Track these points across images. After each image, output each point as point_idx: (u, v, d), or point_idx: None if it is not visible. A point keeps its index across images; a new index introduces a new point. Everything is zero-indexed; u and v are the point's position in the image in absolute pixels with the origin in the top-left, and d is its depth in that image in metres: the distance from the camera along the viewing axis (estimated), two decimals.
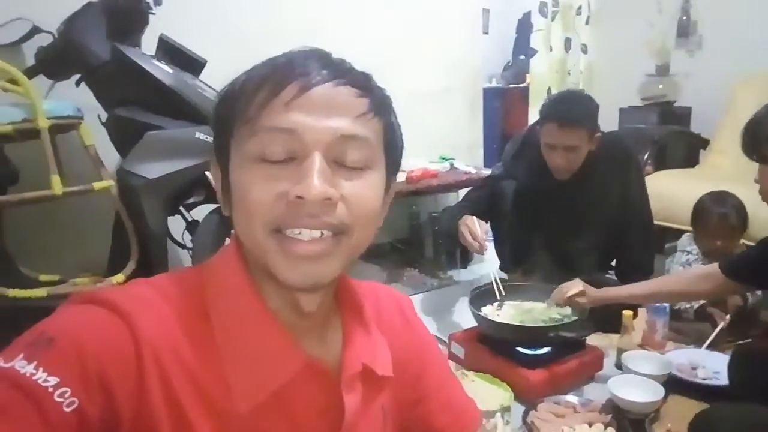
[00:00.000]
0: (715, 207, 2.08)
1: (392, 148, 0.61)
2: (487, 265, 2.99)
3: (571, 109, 1.94)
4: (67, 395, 0.44)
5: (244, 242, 0.57)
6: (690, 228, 2.24)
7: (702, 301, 2.03)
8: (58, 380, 0.44)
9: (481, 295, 1.93)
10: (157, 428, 0.50)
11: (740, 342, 1.87)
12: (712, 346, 1.90)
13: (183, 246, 2.12)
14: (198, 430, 0.52)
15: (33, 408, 0.43)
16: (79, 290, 1.76)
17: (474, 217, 2.04)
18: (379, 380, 0.65)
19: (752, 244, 2.16)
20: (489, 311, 1.87)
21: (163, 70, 1.78)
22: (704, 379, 1.73)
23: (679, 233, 2.34)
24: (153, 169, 1.75)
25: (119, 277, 1.80)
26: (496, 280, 1.94)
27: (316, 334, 0.63)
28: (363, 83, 0.56)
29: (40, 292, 1.70)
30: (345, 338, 0.64)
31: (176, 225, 2.04)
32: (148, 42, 1.89)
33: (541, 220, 2.15)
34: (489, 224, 2.28)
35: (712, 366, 1.76)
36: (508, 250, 2.19)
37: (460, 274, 2.93)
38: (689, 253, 2.19)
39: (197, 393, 0.52)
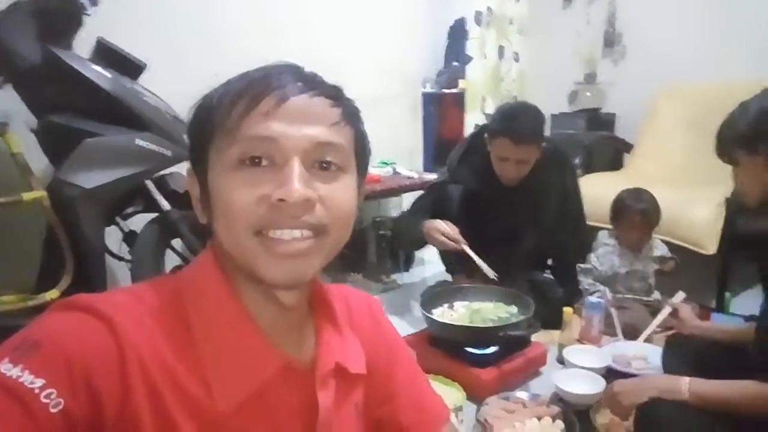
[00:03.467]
0: (633, 203, 2.23)
1: (362, 153, 0.65)
2: (429, 268, 3.07)
3: (524, 125, 2.00)
4: (53, 396, 0.45)
5: (226, 246, 0.59)
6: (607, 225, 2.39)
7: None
8: (44, 382, 0.45)
9: (432, 297, 1.97)
10: (141, 429, 0.51)
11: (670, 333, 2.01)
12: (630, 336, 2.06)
13: (121, 258, 2.03)
14: (181, 430, 0.53)
15: (20, 409, 0.44)
16: (5, 309, 1.66)
17: (439, 220, 2.07)
18: (352, 378, 0.68)
19: (668, 239, 2.33)
20: (440, 313, 1.91)
21: (100, 74, 1.70)
22: (639, 369, 1.85)
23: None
24: (91, 179, 1.66)
25: (53, 293, 1.68)
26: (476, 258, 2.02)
27: (294, 334, 0.65)
28: (335, 94, 0.61)
29: None
30: (318, 338, 0.67)
31: (112, 237, 1.95)
32: (82, 45, 1.80)
33: (486, 223, 2.22)
34: None
35: (645, 356, 1.89)
36: (453, 253, 2.24)
37: (404, 278, 2.97)
38: (609, 245, 2.33)
39: (180, 394, 0.54)
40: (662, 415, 1.25)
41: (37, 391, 0.45)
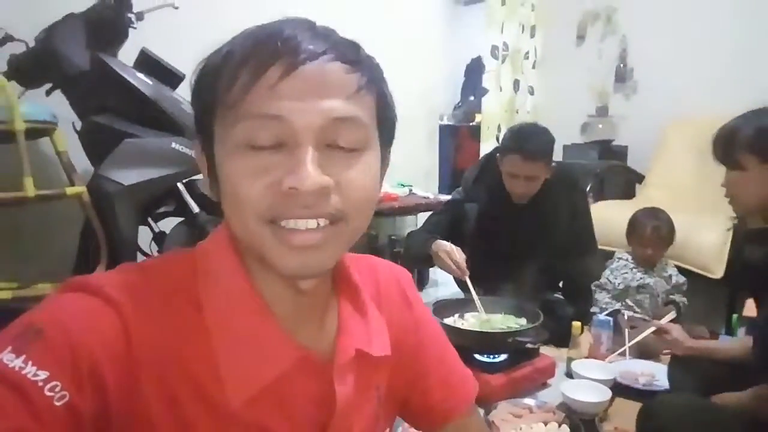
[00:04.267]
0: (649, 220, 2.30)
1: (386, 121, 0.58)
2: (443, 289, 3.12)
3: (534, 142, 2.10)
4: (57, 389, 0.43)
5: (235, 233, 0.55)
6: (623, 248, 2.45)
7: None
8: (48, 374, 0.43)
9: (444, 307, 2.04)
10: (152, 421, 0.49)
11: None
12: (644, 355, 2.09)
13: (150, 257, 2.12)
14: (193, 422, 0.51)
15: (23, 404, 0.42)
16: (44, 294, 1.75)
17: (450, 243, 2.11)
18: (375, 361, 0.64)
19: (680, 264, 2.38)
20: (451, 322, 1.97)
21: (143, 81, 1.84)
22: (646, 385, 1.88)
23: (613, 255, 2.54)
24: (128, 176, 1.78)
25: None
26: (473, 294, 2.03)
27: (313, 320, 0.61)
28: (352, 56, 0.53)
29: (4, 294, 1.68)
30: (340, 323, 0.63)
31: (143, 236, 2.05)
32: (127, 54, 1.94)
33: (499, 242, 2.29)
34: None
35: (653, 374, 1.92)
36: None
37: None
38: (624, 259, 2.39)
39: (191, 384, 0.51)
40: (664, 416, 1.29)
41: (40, 384, 0.43)
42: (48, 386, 0.43)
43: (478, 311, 2.03)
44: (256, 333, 0.54)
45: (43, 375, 0.43)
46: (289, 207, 0.50)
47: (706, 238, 2.41)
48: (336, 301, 0.64)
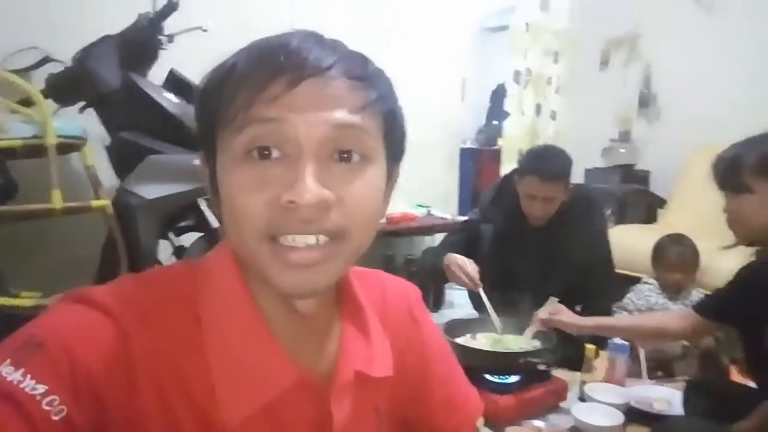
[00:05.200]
0: (673, 246, 2.28)
1: (394, 134, 0.56)
2: (458, 310, 3.11)
3: (552, 164, 2.11)
4: (55, 403, 0.43)
5: (235, 249, 0.54)
6: (645, 274, 2.42)
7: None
8: (47, 388, 0.43)
9: (456, 326, 2.03)
10: None
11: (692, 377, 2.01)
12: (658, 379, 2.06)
13: None
14: None
15: (20, 417, 0.42)
16: None
17: (462, 256, 2.10)
18: (375, 382, 0.62)
19: (704, 291, 2.35)
20: (463, 341, 1.97)
21: (170, 100, 1.92)
22: (660, 411, 1.84)
23: (637, 280, 2.52)
24: (152, 190, 1.85)
25: None
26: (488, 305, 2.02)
27: (313, 341, 0.60)
28: (359, 71, 0.52)
29: (27, 302, 1.75)
30: (342, 344, 0.61)
31: (163, 251, 2.11)
32: (156, 74, 2.04)
33: (515, 263, 2.28)
34: None
35: (668, 399, 1.88)
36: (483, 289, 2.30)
37: (432, 318, 3.02)
38: (650, 284, 2.36)
39: (188, 400, 0.51)
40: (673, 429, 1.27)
41: (38, 398, 0.43)
42: (46, 400, 0.43)
43: (493, 329, 2.02)
44: (255, 352, 0.53)
45: (41, 389, 0.43)
46: (288, 222, 0.48)
47: (728, 264, 2.35)
48: (339, 321, 0.62)
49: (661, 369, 2.17)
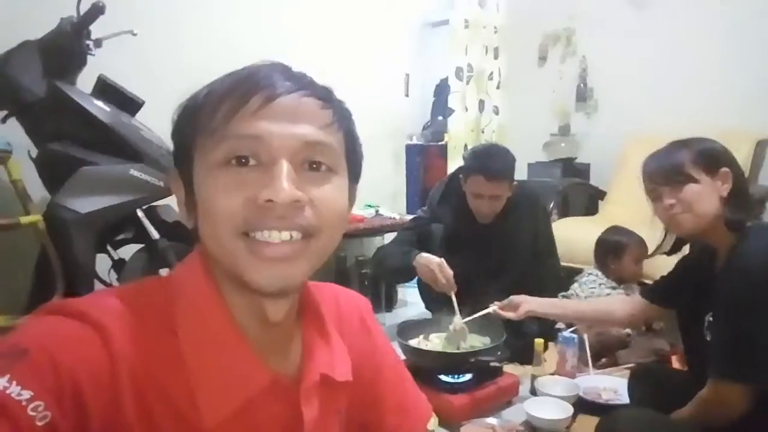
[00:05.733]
0: (619, 238, 2.36)
1: (354, 156, 0.63)
2: (412, 308, 3.13)
3: (496, 163, 2.15)
4: (40, 409, 0.44)
5: (211, 249, 0.57)
6: (589, 265, 2.50)
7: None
8: (32, 394, 0.44)
9: (408, 328, 2.04)
10: None
11: (635, 365, 2.09)
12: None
13: (109, 285, 2.09)
14: None
15: (5, 423, 0.42)
16: None
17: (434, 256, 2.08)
18: (337, 386, 0.66)
19: (646, 281, 2.44)
20: (416, 343, 1.98)
21: (101, 108, 1.82)
22: (608, 400, 1.91)
23: (581, 271, 2.59)
24: (86, 204, 1.75)
25: None
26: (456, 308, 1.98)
27: (281, 346, 0.63)
28: (326, 95, 0.59)
29: None
30: (305, 348, 0.65)
31: (102, 263, 2.02)
32: (85, 81, 1.93)
33: (464, 260, 2.31)
34: None
35: (615, 389, 1.95)
36: (435, 291, 2.31)
37: (386, 318, 3.02)
38: (594, 275, 2.44)
39: (167, 406, 0.53)
40: (624, 430, 1.31)
41: (24, 403, 0.44)
42: (31, 405, 0.44)
43: (446, 329, 2.01)
44: (229, 358, 0.56)
45: (27, 394, 0.44)
46: (264, 219, 0.53)
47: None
48: (300, 327, 0.66)
49: (605, 355, 2.24)
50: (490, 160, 2.14)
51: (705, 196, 1.30)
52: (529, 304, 1.81)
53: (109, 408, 0.49)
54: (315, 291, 0.69)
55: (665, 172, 1.38)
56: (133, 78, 2.07)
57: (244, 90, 0.55)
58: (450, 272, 2.05)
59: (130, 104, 1.96)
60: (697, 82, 3.25)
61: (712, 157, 1.31)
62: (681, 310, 1.51)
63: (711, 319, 1.30)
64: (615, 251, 2.39)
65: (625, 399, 1.80)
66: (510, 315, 1.82)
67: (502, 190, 2.17)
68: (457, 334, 1.92)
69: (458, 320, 1.97)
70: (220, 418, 0.54)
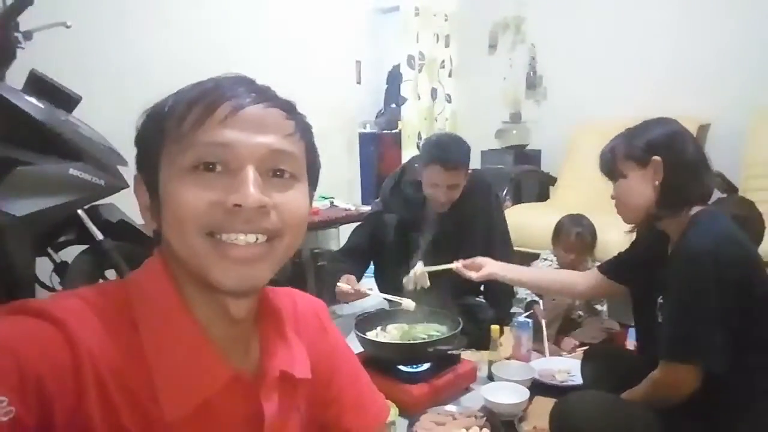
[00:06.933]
0: (572, 226, 2.41)
1: (313, 165, 0.67)
2: (369, 300, 3.12)
3: (453, 152, 2.16)
4: (4, 404, 0.45)
5: (176, 249, 0.58)
6: (543, 250, 2.55)
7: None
8: None
9: (366, 321, 2.04)
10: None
11: (588, 346, 2.15)
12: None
13: (52, 289, 1.99)
14: None
15: None
16: None
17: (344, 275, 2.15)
18: (296, 383, 0.69)
19: (599, 262, 2.51)
20: (374, 335, 1.98)
21: (33, 105, 1.71)
22: (562, 381, 1.96)
23: (535, 256, 2.65)
24: (22, 206, 1.65)
25: None
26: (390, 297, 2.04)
27: (241, 344, 0.66)
28: (289, 108, 0.63)
29: None
30: (263, 346, 0.68)
31: (42, 267, 1.93)
32: (14, 77, 1.82)
33: (419, 250, 2.32)
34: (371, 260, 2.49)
35: (569, 370, 2.00)
36: (390, 279, 2.32)
37: (344, 309, 3.00)
38: (549, 260, 2.49)
39: (131, 401, 0.54)
40: (575, 414, 1.34)
41: None
42: None
43: (403, 319, 2.04)
44: (192, 355, 0.58)
45: None
46: (231, 222, 0.56)
47: (614, 237, 2.54)
48: (258, 327, 0.69)
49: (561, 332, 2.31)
50: (447, 150, 2.15)
51: (635, 189, 1.34)
52: (491, 266, 1.83)
53: (74, 403, 0.50)
54: (272, 295, 0.72)
55: (602, 168, 1.44)
56: (70, 72, 1.97)
57: (212, 99, 0.57)
58: (353, 283, 2.11)
59: (66, 100, 1.85)
60: (643, 69, 3.34)
61: (643, 149, 1.32)
62: (634, 290, 1.55)
63: (662, 301, 1.34)
64: (566, 238, 2.44)
65: (578, 380, 1.85)
66: (471, 275, 1.86)
67: (459, 179, 2.18)
68: (417, 278, 2.01)
69: (420, 266, 2.00)
70: (182, 413, 0.56)
